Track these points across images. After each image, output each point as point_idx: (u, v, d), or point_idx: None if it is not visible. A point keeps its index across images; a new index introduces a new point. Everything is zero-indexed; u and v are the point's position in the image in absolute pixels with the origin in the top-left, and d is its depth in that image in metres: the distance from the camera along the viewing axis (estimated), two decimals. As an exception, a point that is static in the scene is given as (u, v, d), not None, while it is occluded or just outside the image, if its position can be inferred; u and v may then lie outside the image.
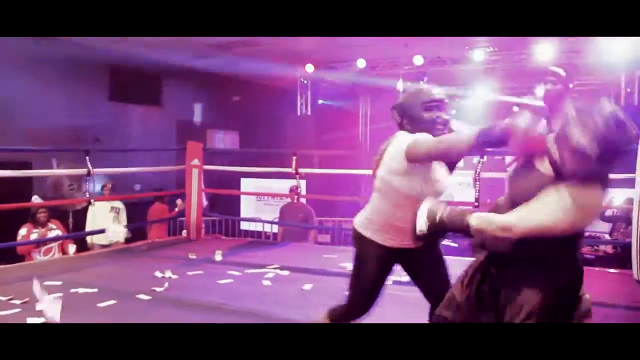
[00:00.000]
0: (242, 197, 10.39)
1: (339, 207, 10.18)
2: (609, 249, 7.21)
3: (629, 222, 5.83)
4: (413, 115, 2.62)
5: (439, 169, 2.59)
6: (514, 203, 2.04)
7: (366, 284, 2.71)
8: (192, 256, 5.61)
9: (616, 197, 6.65)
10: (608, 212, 7.06)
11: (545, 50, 9.03)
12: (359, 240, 2.72)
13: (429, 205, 2.15)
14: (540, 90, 11.22)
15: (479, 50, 9.41)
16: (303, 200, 7.76)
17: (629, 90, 9.68)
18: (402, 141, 2.52)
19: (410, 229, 2.17)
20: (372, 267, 2.68)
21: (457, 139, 2.36)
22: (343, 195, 9.40)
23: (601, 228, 7.89)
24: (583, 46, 9.07)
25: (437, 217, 2.12)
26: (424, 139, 2.45)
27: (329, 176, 8.65)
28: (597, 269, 5.82)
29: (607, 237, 7.47)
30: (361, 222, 2.74)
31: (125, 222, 7.23)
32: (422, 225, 2.14)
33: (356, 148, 12.33)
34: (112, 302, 3.89)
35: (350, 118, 13.10)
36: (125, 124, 9.45)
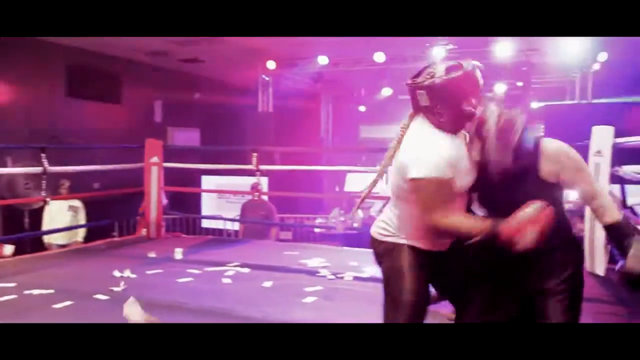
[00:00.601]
0: (203, 194, 10.30)
1: (300, 204, 10.17)
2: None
3: (583, 215, 5.98)
4: (451, 105, 2.17)
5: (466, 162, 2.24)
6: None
7: (410, 299, 2.29)
8: (152, 255, 5.55)
9: (571, 193, 6.79)
10: (567, 206, 7.23)
11: (504, 48, 9.19)
12: (388, 250, 2.35)
13: None
14: (500, 89, 11.50)
15: (439, 48, 9.50)
16: (264, 197, 7.75)
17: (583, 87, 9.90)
18: (410, 161, 2.18)
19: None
20: (411, 276, 2.29)
21: (469, 226, 2.12)
22: (305, 192, 9.41)
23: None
24: (540, 45, 9.28)
25: None
26: (431, 194, 2.12)
27: (290, 173, 8.62)
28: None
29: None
30: (380, 227, 2.41)
31: (83, 221, 7.10)
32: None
33: (318, 145, 12.33)
34: (68, 303, 3.82)
35: (312, 115, 13.11)
36: (84, 121, 9.26)
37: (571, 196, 6.73)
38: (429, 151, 2.14)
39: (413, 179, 2.14)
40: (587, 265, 4.95)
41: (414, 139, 2.22)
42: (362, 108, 13.85)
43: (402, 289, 2.27)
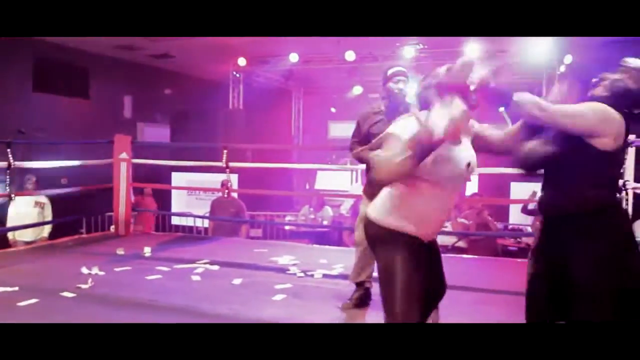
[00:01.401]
0: (173, 191, 10.20)
1: (271, 201, 10.16)
2: (531, 240, 7.48)
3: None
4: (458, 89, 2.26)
5: (462, 147, 2.31)
6: None
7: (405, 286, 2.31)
8: (120, 252, 5.50)
9: (538, 191, 6.91)
10: (530, 206, 7.36)
11: (473, 48, 9.28)
12: (382, 235, 2.38)
13: None
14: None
15: (410, 47, 9.56)
16: (234, 194, 7.72)
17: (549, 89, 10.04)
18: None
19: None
20: (404, 262, 2.31)
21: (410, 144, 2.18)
22: (275, 190, 9.40)
23: (524, 221, 8.22)
24: (508, 46, 9.40)
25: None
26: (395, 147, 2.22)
27: (261, 170, 8.60)
28: (519, 260, 6.04)
29: (529, 229, 7.78)
30: (381, 212, 2.41)
31: (50, 217, 6.96)
32: None
33: (289, 142, 12.32)
34: (33, 300, 3.76)
35: (283, 112, 13.09)
36: (51, 116, 9.09)
37: (538, 195, 6.89)
38: (409, 121, 2.30)
39: (387, 133, 2.29)
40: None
41: (409, 118, 2.35)
42: (333, 109, 13.86)
43: (397, 271, 2.28)
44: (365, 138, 3.67)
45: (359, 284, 3.81)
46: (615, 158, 2.31)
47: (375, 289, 2.46)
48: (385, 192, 2.42)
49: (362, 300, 3.79)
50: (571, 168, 2.27)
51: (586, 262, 2.22)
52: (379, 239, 2.39)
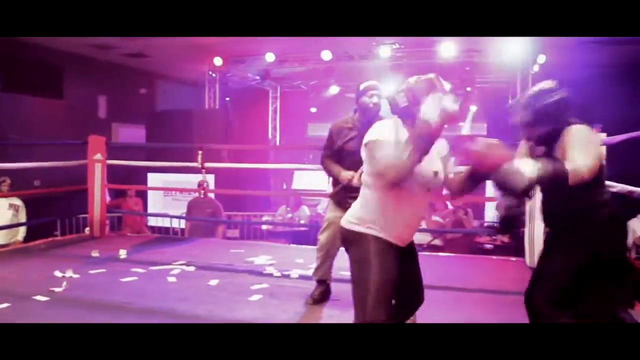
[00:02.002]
0: (149, 192, 10.11)
1: (248, 202, 10.13)
2: (505, 238, 7.57)
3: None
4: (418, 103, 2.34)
5: (430, 156, 2.36)
6: None
7: (377, 280, 2.38)
8: (95, 254, 5.43)
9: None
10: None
11: (448, 48, 9.37)
12: (355, 239, 2.46)
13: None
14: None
15: (386, 47, 9.61)
16: (211, 195, 7.68)
17: (524, 89, 10.15)
18: (365, 141, 2.42)
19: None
20: (377, 265, 2.39)
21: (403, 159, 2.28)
22: (252, 190, 9.38)
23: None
24: (483, 46, 9.50)
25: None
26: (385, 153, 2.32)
27: (238, 171, 8.59)
28: (494, 257, 6.11)
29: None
30: (352, 217, 2.51)
31: (24, 220, 6.86)
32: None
33: (265, 142, 12.30)
34: (5, 305, 3.70)
35: (259, 112, 13.05)
36: (23, 116, 8.95)
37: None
38: (387, 126, 2.42)
39: (371, 141, 2.37)
40: (526, 260, 5.11)
41: (378, 123, 2.48)
42: (313, 109, 13.86)
43: (369, 272, 2.37)
44: (338, 153, 3.73)
45: (320, 281, 3.95)
46: None
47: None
48: (360, 199, 2.51)
49: (323, 296, 3.93)
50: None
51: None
52: (353, 242, 2.46)
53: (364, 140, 2.42)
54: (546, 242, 2.81)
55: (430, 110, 2.23)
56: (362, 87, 3.70)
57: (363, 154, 2.45)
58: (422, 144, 2.23)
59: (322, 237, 3.88)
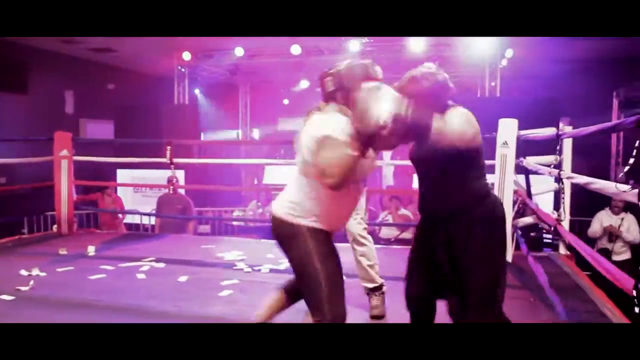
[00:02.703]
0: (119, 188, 10.00)
1: (219, 197, 10.09)
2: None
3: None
4: (351, 90, 2.36)
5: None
6: None
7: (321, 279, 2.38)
8: (63, 252, 5.36)
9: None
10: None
11: (417, 43, 9.44)
12: (294, 233, 2.42)
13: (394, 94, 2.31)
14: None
15: (355, 41, 9.64)
16: (181, 190, 7.63)
17: (493, 83, 10.28)
18: (315, 133, 2.37)
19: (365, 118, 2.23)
20: (316, 253, 2.39)
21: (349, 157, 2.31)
22: (223, 185, 9.33)
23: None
24: (451, 40, 9.59)
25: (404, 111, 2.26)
26: (332, 157, 2.30)
27: (208, 166, 8.55)
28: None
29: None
30: (287, 207, 2.46)
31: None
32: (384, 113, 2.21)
33: (235, 137, 12.26)
34: (-31, 304, 3.64)
35: (229, 107, 12.99)
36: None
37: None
38: (335, 121, 2.37)
39: (323, 136, 2.31)
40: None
41: (322, 116, 2.44)
42: (286, 101, 13.84)
43: (315, 266, 2.36)
44: None
45: None
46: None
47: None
48: (288, 190, 2.51)
49: None
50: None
51: (474, 247, 2.39)
52: (287, 236, 2.44)
53: (313, 132, 2.38)
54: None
55: (377, 109, 2.23)
56: None
57: (306, 143, 2.40)
58: (368, 142, 2.28)
59: None
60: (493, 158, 5.09)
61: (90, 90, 11.00)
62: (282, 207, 2.46)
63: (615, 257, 6.88)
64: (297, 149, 2.46)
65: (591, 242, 7.03)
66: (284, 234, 2.46)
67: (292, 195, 2.47)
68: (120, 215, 8.46)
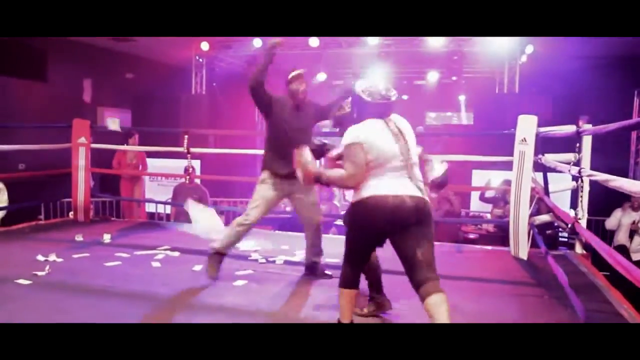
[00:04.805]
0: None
1: (235, 188, 10.10)
2: (490, 227, 7.62)
3: (507, 201, 6.20)
4: (363, 112, 2.85)
5: None
6: None
7: None
8: (79, 238, 5.42)
9: (494, 179, 7.04)
10: (488, 193, 7.48)
11: (437, 38, 9.39)
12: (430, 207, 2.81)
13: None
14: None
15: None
16: (198, 180, 7.65)
17: (512, 80, 10.21)
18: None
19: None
20: None
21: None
22: (238, 176, 9.32)
23: (484, 208, 8.35)
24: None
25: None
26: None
27: (224, 156, 8.55)
28: (478, 247, 6.13)
29: (489, 216, 7.91)
30: (424, 189, 2.83)
31: (5, 203, 6.79)
32: None
33: (252, 128, 12.24)
34: (-13, 287, 3.68)
35: (246, 98, 12.98)
36: (7, 99, 8.86)
37: (493, 182, 7.02)
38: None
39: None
40: (511, 250, 5.14)
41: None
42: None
43: None
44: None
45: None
46: None
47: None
48: (419, 175, 2.85)
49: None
50: None
51: None
52: (430, 213, 2.79)
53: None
54: None
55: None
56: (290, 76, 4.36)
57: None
58: None
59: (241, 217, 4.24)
60: (511, 155, 5.06)
61: (108, 79, 11.07)
62: (420, 190, 2.77)
63: (634, 257, 6.84)
64: (410, 141, 2.82)
65: (608, 240, 6.99)
66: (429, 211, 2.76)
67: (419, 179, 2.81)
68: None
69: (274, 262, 4.75)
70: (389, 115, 2.83)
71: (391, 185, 2.70)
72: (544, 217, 5.32)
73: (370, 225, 2.74)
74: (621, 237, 7.17)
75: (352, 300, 2.87)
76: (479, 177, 8.46)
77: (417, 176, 2.79)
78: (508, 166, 5.22)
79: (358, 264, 2.89)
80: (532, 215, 5.13)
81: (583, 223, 4.66)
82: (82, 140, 6.37)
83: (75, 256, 4.71)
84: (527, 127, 4.94)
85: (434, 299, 2.58)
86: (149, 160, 8.90)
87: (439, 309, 2.56)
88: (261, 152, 4.56)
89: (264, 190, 4.12)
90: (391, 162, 2.72)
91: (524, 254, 4.99)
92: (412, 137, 2.84)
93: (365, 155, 2.69)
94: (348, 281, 2.85)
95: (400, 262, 2.75)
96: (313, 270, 4.25)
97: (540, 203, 5.34)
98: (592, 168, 4.69)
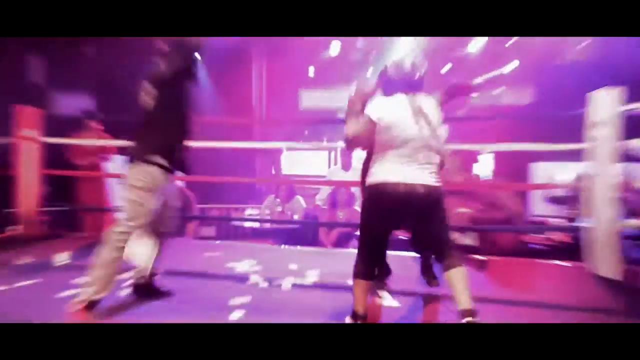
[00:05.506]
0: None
1: (227, 192, 10.04)
2: (563, 237, 7.35)
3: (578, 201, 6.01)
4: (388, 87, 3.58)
5: None
6: None
7: None
8: (25, 260, 5.36)
9: (559, 173, 6.87)
10: (557, 193, 7.27)
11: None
12: (441, 193, 3.49)
13: None
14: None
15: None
16: (180, 182, 7.52)
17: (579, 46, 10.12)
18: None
19: None
20: None
21: None
22: (232, 176, 9.22)
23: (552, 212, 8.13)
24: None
25: None
26: None
27: (214, 151, 8.41)
28: (546, 261, 5.91)
29: (558, 222, 7.71)
30: (436, 176, 3.49)
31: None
32: None
33: (249, 115, 12.18)
34: None
35: (240, 78, 12.94)
36: None
37: (559, 177, 6.84)
38: None
39: None
40: (589, 265, 4.96)
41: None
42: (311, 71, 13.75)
43: None
44: None
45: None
46: None
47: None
48: (434, 160, 3.54)
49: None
50: None
51: None
52: (441, 199, 3.51)
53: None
54: None
55: None
56: None
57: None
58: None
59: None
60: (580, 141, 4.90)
61: (64, 56, 10.98)
62: (433, 177, 3.44)
63: None
64: (433, 123, 3.45)
65: None
66: (439, 198, 3.43)
67: (431, 164, 3.45)
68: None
69: (279, 286, 4.63)
70: (415, 93, 3.45)
71: (404, 172, 3.38)
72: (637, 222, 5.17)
73: (381, 213, 3.42)
74: None
75: (364, 291, 3.51)
76: (540, 173, 8.30)
77: (433, 160, 3.45)
78: (575, 157, 5.07)
79: (369, 253, 3.55)
80: (621, 219, 4.96)
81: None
82: (29, 133, 6.24)
83: (19, 284, 4.59)
84: (604, 104, 4.79)
85: (453, 273, 3.41)
86: (118, 158, 8.77)
87: (458, 279, 3.40)
88: (260, 145, 4.47)
89: None
90: (408, 144, 3.37)
91: (607, 271, 4.79)
92: (437, 119, 3.45)
93: (369, 132, 3.45)
94: (359, 272, 3.52)
95: (416, 243, 3.84)
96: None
97: (631, 203, 5.20)
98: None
